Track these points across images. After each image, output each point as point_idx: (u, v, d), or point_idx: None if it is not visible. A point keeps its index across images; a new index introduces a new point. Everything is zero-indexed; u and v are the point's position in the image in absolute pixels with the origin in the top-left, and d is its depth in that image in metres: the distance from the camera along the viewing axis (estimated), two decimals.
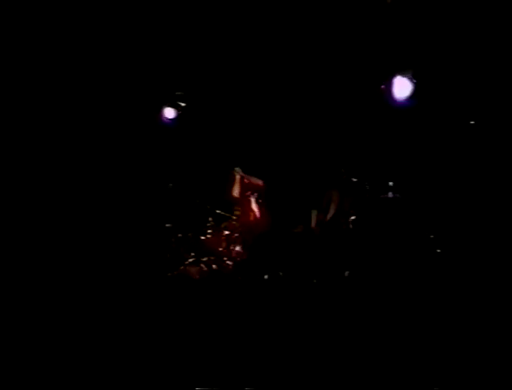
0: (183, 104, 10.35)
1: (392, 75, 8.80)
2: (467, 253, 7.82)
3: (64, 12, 9.02)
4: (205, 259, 9.41)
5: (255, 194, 9.92)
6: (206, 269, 9.28)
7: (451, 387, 5.68)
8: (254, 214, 9.82)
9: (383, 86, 8.94)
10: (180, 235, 9.84)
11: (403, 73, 8.74)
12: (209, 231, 9.69)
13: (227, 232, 9.63)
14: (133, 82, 9.88)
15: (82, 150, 9.65)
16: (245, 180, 9.91)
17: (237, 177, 9.89)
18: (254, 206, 9.85)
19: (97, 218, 9.53)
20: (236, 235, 9.60)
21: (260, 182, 9.95)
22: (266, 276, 8.34)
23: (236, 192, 9.89)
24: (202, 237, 9.67)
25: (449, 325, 6.48)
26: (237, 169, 9.93)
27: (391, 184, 8.85)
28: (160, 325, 6.96)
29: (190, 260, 9.44)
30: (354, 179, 8.83)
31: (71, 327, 6.83)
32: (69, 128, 9.54)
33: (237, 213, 9.85)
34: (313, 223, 9.07)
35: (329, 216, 8.92)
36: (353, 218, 8.78)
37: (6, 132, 9.15)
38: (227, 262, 9.41)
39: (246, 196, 9.89)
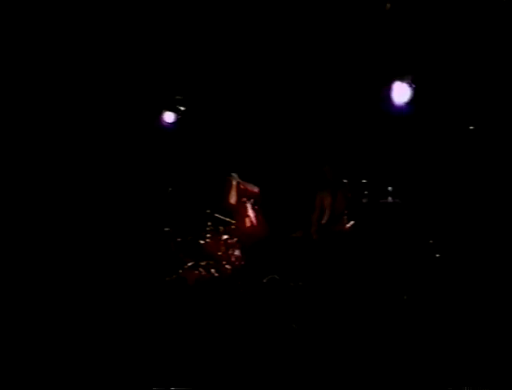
0: (182, 108, 10.37)
1: (392, 81, 8.84)
2: (466, 259, 7.85)
3: (64, 15, 9.04)
4: (204, 263, 9.39)
5: (251, 200, 9.93)
6: (204, 273, 9.26)
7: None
8: (251, 220, 9.82)
9: (382, 91, 8.97)
10: (179, 239, 9.83)
11: (402, 78, 8.78)
12: (208, 235, 9.67)
13: (226, 237, 9.62)
14: (133, 86, 9.90)
15: (82, 154, 9.65)
16: (241, 186, 9.92)
17: (234, 183, 9.90)
18: (251, 212, 9.85)
19: (96, 222, 9.52)
20: (234, 239, 9.60)
21: (256, 188, 9.97)
22: (264, 280, 8.31)
23: (232, 198, 9.89)
24: (201, 241, 9.65)
25: (446, 327, 6.52)
26: (234, 175, 9.94)
27: (390, 188, 8.88)
28: (159, 328, 6.95)
29: (189, 264, 9.42)
30: (345, 181, 8.83)
31: (70, 328, 6.82)
32: (68, 132, 9.54)
33: (235, 218, 9.86)
34: (311, 228, 9.08)
35: (324, 220, 8.93)
36: (352, 222, 8.81)
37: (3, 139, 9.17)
38: (226, 266, 9.39)
39: (243, 202, 9.89)
